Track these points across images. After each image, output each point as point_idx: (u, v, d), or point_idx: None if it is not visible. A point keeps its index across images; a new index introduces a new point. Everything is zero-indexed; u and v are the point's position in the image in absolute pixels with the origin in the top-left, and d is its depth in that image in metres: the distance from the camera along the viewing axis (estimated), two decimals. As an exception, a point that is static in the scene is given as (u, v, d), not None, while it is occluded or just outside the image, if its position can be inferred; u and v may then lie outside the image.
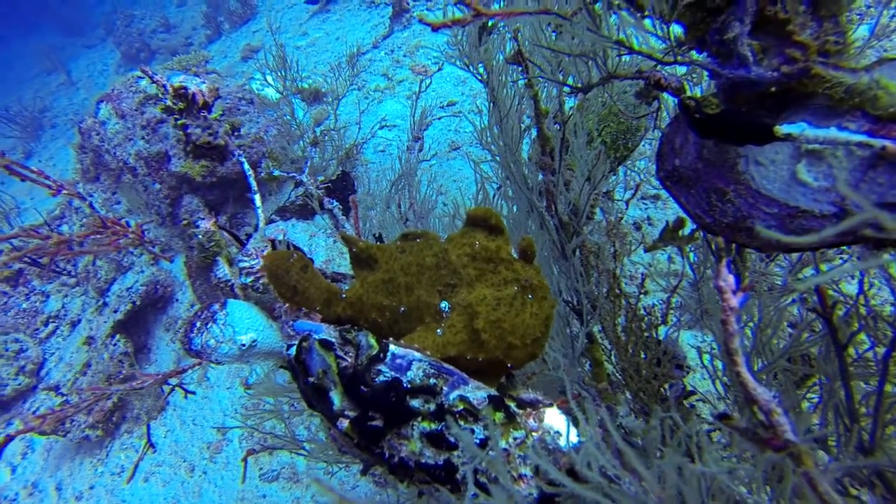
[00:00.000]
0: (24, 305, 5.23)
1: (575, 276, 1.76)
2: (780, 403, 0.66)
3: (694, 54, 1.16)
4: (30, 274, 5.44)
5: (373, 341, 0.96)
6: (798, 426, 0.80)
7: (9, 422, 4.49)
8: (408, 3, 6.62)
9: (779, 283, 2.11)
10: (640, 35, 1.17)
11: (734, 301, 0.63)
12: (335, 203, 2.60)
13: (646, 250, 1.61)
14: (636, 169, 3.46)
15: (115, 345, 4.33)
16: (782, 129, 0.95)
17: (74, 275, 5.30)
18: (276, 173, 3.51)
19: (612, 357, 1.75)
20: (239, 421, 3.54)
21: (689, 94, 1.13)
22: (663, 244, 1.62)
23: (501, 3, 2.04)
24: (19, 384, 4.63)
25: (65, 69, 12.25)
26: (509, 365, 0.99)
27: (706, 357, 1.53)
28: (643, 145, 3.37)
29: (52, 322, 5.13)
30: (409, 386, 0.91)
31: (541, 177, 1.85)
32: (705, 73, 1.47)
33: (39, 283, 5.40)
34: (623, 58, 1.52)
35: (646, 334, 1.62)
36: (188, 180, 4.60)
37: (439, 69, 5.57)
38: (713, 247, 1.56)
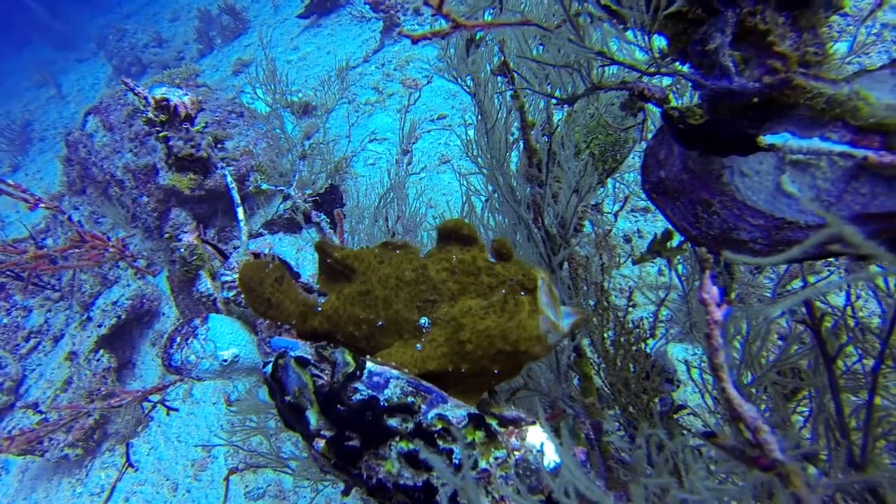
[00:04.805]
0: (5, 321, 5.12)
1: (562, 290, 1.74)
2: (766, 421, 0.63)
3: (677, 65, 1.15)
4: (12, 288, 5.34)
5: (349, 358, 0.93)
6: (786, 442, 0.77)
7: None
8: (398, 18, 6.67)
9: (768, 295, 2.10)
10: (623, 47, 1.16)
11: (719, 314, 0.61)
12: (322, 216, 2.58)
13: (634, 263, 1.59)
14: (625, 181, 3.46)
15: (98, 360, 4.24)
16: (766, 139, 0.94)
17: (58, 289, 5.21)
18: (264, 186, 3.49)
19: (601, 371, 1.73)
20: (225, 438, 3.46)
21: (672, 104, 1.12)
22: (651, 256, 1.61)
23: (490, 15, 2.05)
24: (-2, 402, 4.51)
25: (55, 83, 12.20)
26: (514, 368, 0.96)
27: (695, 371, 1.51)
28: (632, 157, 3.38)
29: (34, 337, 5.02)
30: (386, 405, 0.88)
31: (528, 189, 1.84)
32: (689, 84, 1.46)
33: (21, 297, 5.29)
34: (609, 69, 1.52)
35: (634, 347, 1.60)
36: (176, 193, 4.55)
37: (429, 82, 5.59)
38: (700, 259, 1.55)
